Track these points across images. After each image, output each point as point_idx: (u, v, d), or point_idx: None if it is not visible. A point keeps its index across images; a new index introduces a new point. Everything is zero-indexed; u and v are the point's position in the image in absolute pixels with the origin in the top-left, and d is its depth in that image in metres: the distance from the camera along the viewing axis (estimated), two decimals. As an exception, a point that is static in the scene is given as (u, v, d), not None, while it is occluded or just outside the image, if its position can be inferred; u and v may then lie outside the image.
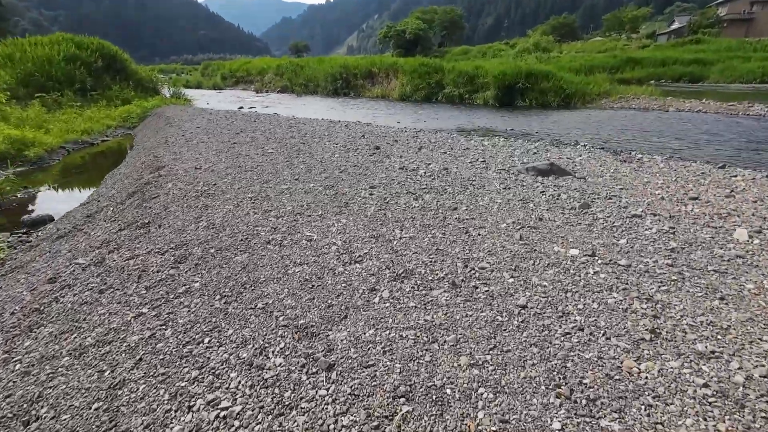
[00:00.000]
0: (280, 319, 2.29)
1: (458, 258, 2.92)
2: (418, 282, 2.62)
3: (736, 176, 5.12)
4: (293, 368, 1.90)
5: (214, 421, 1.66)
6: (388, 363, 1.90)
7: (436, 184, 4.65)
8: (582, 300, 2.38)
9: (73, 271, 3.05)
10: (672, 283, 2.56)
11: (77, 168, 7.43)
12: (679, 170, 5.43)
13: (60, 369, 2.03)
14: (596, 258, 2.88)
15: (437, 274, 2.71)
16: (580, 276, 2.65)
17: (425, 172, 5.11)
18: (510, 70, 16.21)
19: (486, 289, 2.53)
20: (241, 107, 16.63)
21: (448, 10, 66.58)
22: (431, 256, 2.95)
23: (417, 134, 8.43)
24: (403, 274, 2.71)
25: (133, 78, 15.96)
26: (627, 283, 2.55)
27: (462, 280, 2.63)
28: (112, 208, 4.42)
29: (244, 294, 2.57)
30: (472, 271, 2.74)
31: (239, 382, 1.84)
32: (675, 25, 63.40)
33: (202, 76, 38.63)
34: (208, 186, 4.74)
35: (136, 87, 15.64)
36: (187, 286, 2.70)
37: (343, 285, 2.62)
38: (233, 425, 1.63)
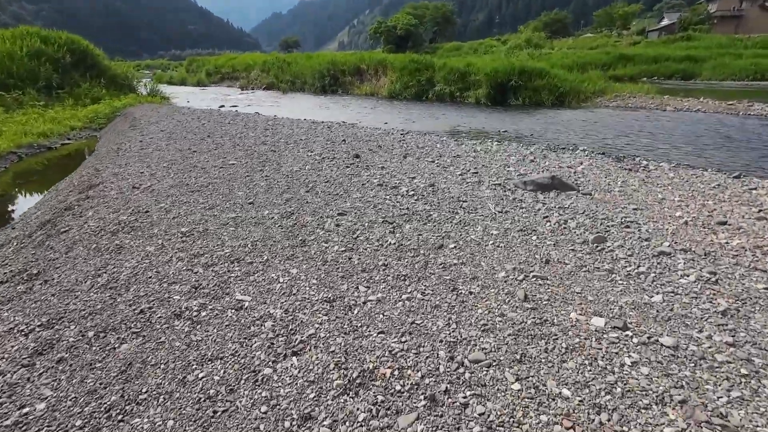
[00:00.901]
0: None
1: (442, 341, 2.14)
2: (379, 398, 1.81)
3: (755, 189, 4.59)
4: None
5: None
6: None
7: (419, 207, 4.00)
8: (627, 427, 1.63)
9: None
10: (743, 382, 1.84)
11: (25, 178, 6.66)
12: (692, 181, 4.88)
13: None
14: (630, 334, 2.17)
15: (409, 380, 1.90)
16: (614, 373, 1.91)
17: (408, 190, 4.47)
18: (502, 68, 15.63)
19: (482, 409, 1.73)
20: (222, 105, 15.83)
21: (440, 5, 65.79)
22: (404, 340, 2.15)
23: (404, 137, 7.80)
24: (358, 383, 1.89)
25: (106, 75, 15.07)
26: (682, 387, 1.82)
27: (446, 391, 1.84)
28: (13, 245, 3.51)
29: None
30: (461, 369, 1.96)
31: None
32: (665, 22, 63.45)
33: (187, 72, 37.48)
34: (136, 215, 3.94)
35: (109, 84, 14.77)
36: (24, 410, 1.80)
37: (263, 410, 1.76)
38: None
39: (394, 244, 3.24)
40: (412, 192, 4.41)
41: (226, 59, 33.91)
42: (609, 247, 3.16)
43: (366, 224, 3.60)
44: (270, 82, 26.25)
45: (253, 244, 3.31)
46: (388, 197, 4.26)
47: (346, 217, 3.79)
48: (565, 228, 3.52)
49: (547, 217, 3.76)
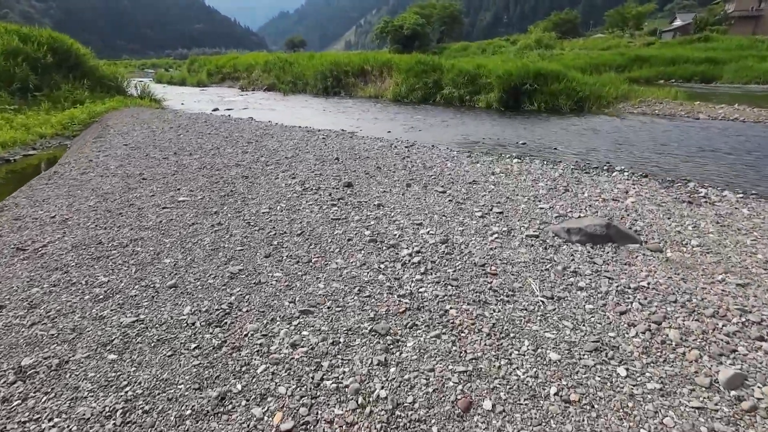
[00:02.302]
0: None
1: None
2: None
3: None
4: None
5: None
6: None
7: (428, 290, 2.66)
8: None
9: None
10: None
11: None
12: (781, 223, 3.77)
13: None
14: None
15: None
16: None
17: (412, 252, 3.19)
18: (516, 70, 14.50)
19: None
20: (216, 109, 14.87)
21: (447, 4, 64.62)
22: None
23: (408, 153, 6.72)
24: None
25: (93, 76, 14.15)
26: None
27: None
28: None
29: None
30: None
31: None
32: (677, 23, 61.86)
33: (189, 72, 36.73)
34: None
35: (95, 86, 13.84)
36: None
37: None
38: None
39: (386, 398, 1.84)
40: (418, 255, 3.15)
41: (228, 59, 33.05)
42: (752, 395, 1.80)
43: (342, 338, 2.23)
44: (271, 83, 25.32)
45: (125, 411, 1.80)
46: (382, 268, 2.99)
47: (311, 319, 2.40)
48: (664, 343, 2.14)
49: (623, 310, 2.42)
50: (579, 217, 3.71)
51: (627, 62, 29.33)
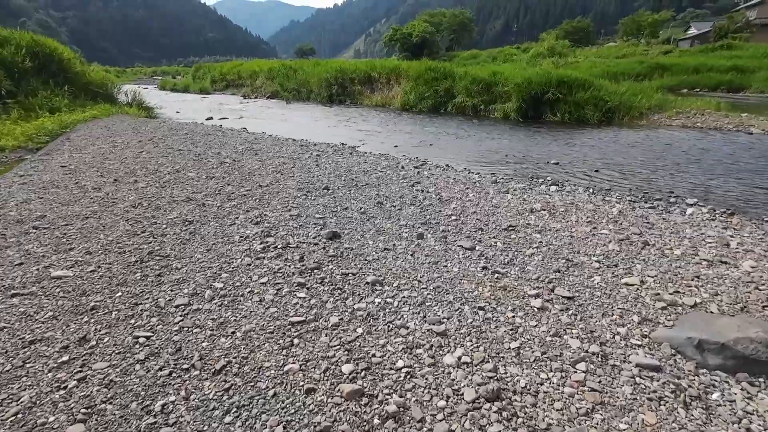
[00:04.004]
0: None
1: None
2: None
3: None
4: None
5: None
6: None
7: None
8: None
9: None
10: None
11: None
12: None
13: None
14: None
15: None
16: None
17: (433, 420, 1.66)
18: (536, 77, 13.20)
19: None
20: (210, 118, 13.78)
21: (457, 12, 63.83)
22: None
23: (418, 177, 5.41)
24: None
25: (78, 82, 13.13)
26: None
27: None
28: None
29: None
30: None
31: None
32: (693, 31, 60.22)
33: (194, 79, 36.08)
34: None
35: (79, 93, 12.81)
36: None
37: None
38: None
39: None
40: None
41: (232, 66, 32.28)
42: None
43: None
44: (274, 91, 24.35)
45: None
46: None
47: None
48: None
49: None
50: (704, 310, 2.32)
51: (647, 71, 27.98)
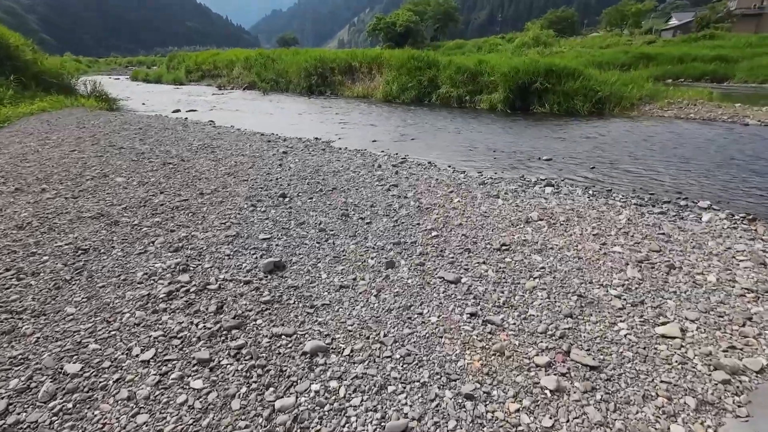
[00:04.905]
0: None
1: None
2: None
3: None
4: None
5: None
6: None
7: None
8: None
9: None
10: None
11: None
12: None
13: None
14: None
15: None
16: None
17: None
18: (524, 66, 12.56)
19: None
20: (177, 110, 12.78)
21: (442, 1, 62.63)
22: None
23: (396, 179, 4.72)
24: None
25: (28, 72, 11.98)
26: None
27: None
28: None
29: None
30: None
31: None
32: (674, 21, 60.49)
33: (168, 69, 34.48)
34: None
35: (29, 83, 11.67)
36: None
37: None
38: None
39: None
40: None
41: (208, 55, 30.85)
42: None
43: None
44: (251, 81, 23.24)
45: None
46: None
47: None
48: None
49: None
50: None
51: (632, 60, 27.75)
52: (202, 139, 6.81)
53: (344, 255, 2.85)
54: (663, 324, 2.05)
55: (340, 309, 2.27)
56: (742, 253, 2.94)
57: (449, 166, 5.75)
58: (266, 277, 2.59)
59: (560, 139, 8.12)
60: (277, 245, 3.00)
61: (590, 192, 4.53)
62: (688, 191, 4.80)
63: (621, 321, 2.09)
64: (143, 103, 15.65)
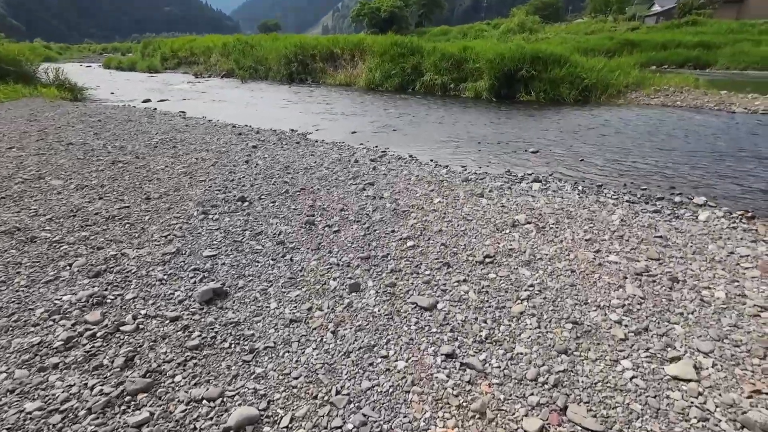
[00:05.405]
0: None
1: None
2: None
3: None
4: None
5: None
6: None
7: None
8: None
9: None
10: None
11: None
12: None
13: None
14: None
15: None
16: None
17: None
18: (509, 53, 12.19)
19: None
20: (147, 100, 12.07)
21: (427, -14, 61.34)
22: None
23: (373, 175, 4.35)
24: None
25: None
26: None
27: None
28: None
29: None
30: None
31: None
32: (656, 8, 60.59)
33: (142, 56, 33.09)
34: None
35: (-17, 71, 10.84)
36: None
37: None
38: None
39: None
40: None
41: (184, 41, 29.64)
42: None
43: None
44: (230, 69, 22.37)
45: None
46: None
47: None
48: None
49: None
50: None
51: (616, 47, 27.70)
52: (167, 132, 6.29)
53: (302, 275, 2.45)
54: (673, 360, 1.75)
55: (287, 353, 1.84)
56: (746, 259, 2.68)
57: (431, 160, 5.40)
58: (201, 309, 2.13)
59: (547, 129, 7.83)
60: (223, 264, 2.56)
61: (580, 188, 4.24)
62: (681, 185, 4.55)
63: (624, 357, 1.77)
64: (113, 93, 14.83)
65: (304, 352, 1.84)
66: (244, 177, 4.15)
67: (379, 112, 10.03)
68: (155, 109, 9.89)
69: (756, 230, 3.23)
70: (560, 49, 19.78)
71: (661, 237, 3.00)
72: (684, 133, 7.20)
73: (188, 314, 2.10)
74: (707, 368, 1.70)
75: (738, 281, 2.37)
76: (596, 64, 12.28)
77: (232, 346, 1.90)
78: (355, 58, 17.48)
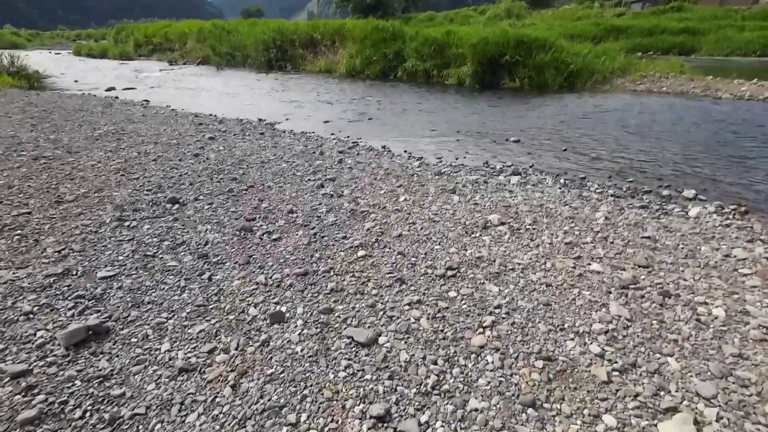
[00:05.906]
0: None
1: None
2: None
3: None
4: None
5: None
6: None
7: None
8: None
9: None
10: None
11: None
12: None
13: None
14: None
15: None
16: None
17: None
18: (493, 37, 11.76)
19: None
20: (112, 88, 11.35)
21: (412, -29, 60.00)
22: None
23: (335, 173, 3.94)
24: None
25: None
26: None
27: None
28: None
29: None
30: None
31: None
32: (641, -6, 60.42)
33: (116, 42, 31.73)
34: None
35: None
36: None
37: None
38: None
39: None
40: None
41: (159, 27, 28.46)
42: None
43: None
44: (206, 56, 21.48)
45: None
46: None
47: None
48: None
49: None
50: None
51: (603, 33, 27.52)
52: (117, 123, 5.75)
53: (216, 301, 1.98)
54: (668, 412, 1.40)
55: (158, 425, 1.35)
56: (744, 263, 2.36)
57: (405, 152, 4.99)
58: (66, 356, 1.61)
59: (529, 117, 7.47)
60: (119, 288, 2.07)
61: (562, 181, 3.89)
62: (668, 176, 4.23)
63: (607, 410, 1.41)
64: (76, 81, 13.98)
65: (184, 421, 1.37)
66: (186, 174, 3.68)
67: (357, 99, 9.55)
68: (116, 97, 9.25)
69: (752, 227, 2.92)
70: (550, 34, 19.40)
71: (649, 238, 2.67)
72: (670, 120, 6.91)
73: (42, 366, 1.56)
74: (711, 422, 1.36)
75: (737, 293, 2.05)
76: (582, 49, 11.92)
77: (87, 415, 1.39)
78: (336, 44, 16.85)
